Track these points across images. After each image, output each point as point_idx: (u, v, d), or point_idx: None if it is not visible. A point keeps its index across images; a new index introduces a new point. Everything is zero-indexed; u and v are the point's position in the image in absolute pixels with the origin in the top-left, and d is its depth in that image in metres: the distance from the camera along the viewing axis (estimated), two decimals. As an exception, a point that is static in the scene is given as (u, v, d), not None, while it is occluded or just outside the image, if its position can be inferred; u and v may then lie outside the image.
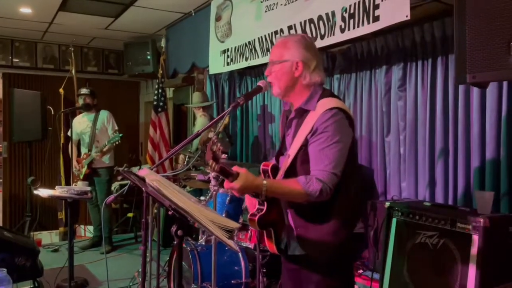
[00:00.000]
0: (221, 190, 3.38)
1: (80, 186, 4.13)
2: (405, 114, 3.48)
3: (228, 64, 4.56)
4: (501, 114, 2.80)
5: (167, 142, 6.25)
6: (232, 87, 5.69)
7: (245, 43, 4.22)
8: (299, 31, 3.48)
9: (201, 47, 5.33)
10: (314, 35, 3.35)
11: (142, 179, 1.29)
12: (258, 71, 5.15)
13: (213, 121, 2.06)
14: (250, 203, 2.04)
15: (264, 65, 4.50)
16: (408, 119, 3.45)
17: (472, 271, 2.01)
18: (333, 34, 3.15)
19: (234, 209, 3.49)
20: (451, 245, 2.16)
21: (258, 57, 4.06)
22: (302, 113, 1.92)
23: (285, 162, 1.95)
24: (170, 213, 1.59)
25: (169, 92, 6.63)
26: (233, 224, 1.50)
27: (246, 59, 4.23)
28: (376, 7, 2.78)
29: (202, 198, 3.53)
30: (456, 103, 3.12)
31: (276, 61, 1.97)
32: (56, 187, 3.53)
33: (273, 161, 2.12)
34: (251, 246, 3.39)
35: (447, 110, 3.19)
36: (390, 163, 3.62)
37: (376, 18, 2.78)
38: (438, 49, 3.23)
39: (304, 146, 1.88)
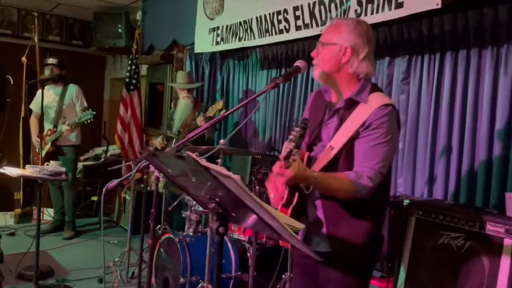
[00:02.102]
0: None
1: (53, 166, 3.73)
2: (407, 109, 3.38)
3: (217, 43, 4.28)
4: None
5: (139, 123, 5.87)
6: (213, 69, 5.40)
7: (240, 22, 3.96)
8: (306, 13, 3.27)
9: (184, 22, 4.99)
10: (323, 18, 3.16)
11: (226, 176, 1.04)
12: (242, 54, 4.90)
13: (243, 103, 1.84)
14: (276, 192, 1.86)
15: (260, 46, 4.28)
16: (410, 114, 3.35)
17: (503, 277, 1.92)
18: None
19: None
20: (478, 248, 2.07)
21: (254, 38, 3.82)
22: (351, 104, 1.80)
23: (326, 154, 1.80)
24: (211, 206, 1.36)
25: (143, 69, 6.22)
26: (298, 225, 1.29)
27: (240, 40, 3.98)
28: (400, -7, 2.62)
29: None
30: (464, 100, 3.04)
31: (325, 43, 1.82)
32: (27, 166, 3.15)
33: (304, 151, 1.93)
34: (245, 238, 3.18)
35: (452, 106, 3.12)
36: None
37: (400, 5, 2.64)
38: (447, 44, 3.13)
39: (352, 140, 1.75)
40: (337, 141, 1.78)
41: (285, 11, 3.44)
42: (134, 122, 5.83)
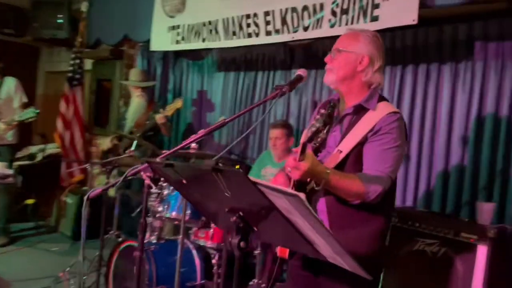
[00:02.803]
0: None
1: (-1, 168, 3.37)
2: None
3: (178, 42, 4.14)
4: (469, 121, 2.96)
5: (82, 121, 5.51)
6: (166, 68, 5.22)
7: (203, 23, 3.86)
8: (278, 19, 3.27)
9: (138, 18, 4.77)
10: (295, 25, 3.17)
11: (291, 194, 0.98)
12: (198, 54, 4.79)
13: (248, 109, 1.78)
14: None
15: (224, 49, 4.20)
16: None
17: (477, 282, 2.05)
18: (320, 27, 3.01)
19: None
20: (453, 254, 2.19)
21: (220, 40, 3.74)
22: (360, 110, 1.81)
23: (333, 158, 1.79)
24: (233, 219, 1.29)
25: (88, 64, 5.85)
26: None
27: (204, 40, 3.88)
28: (376, 6, 2.72)
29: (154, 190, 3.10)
30: (424, 111, 3.22)
31: (342, 50, 1.83)
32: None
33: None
34: (212, 245, 3.10)
35: (412, 117, 3.29)
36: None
37: (375, 18, 2.72)
38: (408, 57, 3.29)
39: (361, 145, 1.76)
40: (345, 146, 1.78)
41: (255, 15, 3.42)
42: (76, 120, 5.46)
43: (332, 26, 2.95)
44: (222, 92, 4.71)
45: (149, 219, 3.26)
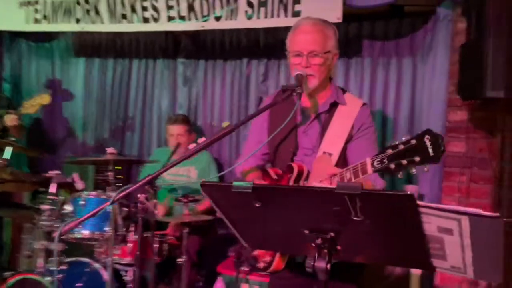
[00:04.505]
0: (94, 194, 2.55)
1: None
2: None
3: (37, 21, 3.39)
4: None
5: None
6: (-1, 51, 4.23)
7: (77, 0, 3.26)
8: (184, 5, 2.99)
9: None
10: (205, 13, 2.97)
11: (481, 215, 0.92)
12: (43, 35, 4.01)
13: (258, 112, 1.61)
14: None
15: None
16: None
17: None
18: (235, 19, 2.89)
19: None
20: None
21: (102, 23, 3.22)
22: (331, 107, 1.84)
23: (326, 161, 1.76)
24: (318, 242, 1.19)
25: None
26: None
27: (78, 21, 3.28)
28: (297, 1, 2.76)
29: (67, 207, 2.52)
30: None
31: (319, 53, 1.78)
32: None
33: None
34: (131, 261, 2.72)
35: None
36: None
37: (297, 14, 2.76)
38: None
39: (346, 143, 1.80)
40: (332, 147, 1.79)
41: (150, -5, 3.05)
42: None
43: (249, 18, 2.86)
44: (84, 81, 4.09)
45: (43, 243, 2.66)
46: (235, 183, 1.14)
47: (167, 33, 3.64)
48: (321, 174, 1.75)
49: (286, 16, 2.78)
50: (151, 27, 3.10)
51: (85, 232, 2.50)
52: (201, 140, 1.87)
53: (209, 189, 1.21)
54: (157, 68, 3.89)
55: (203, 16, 2.97)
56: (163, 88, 3.86)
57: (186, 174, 3.37)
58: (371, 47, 3.25)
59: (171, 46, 3.79)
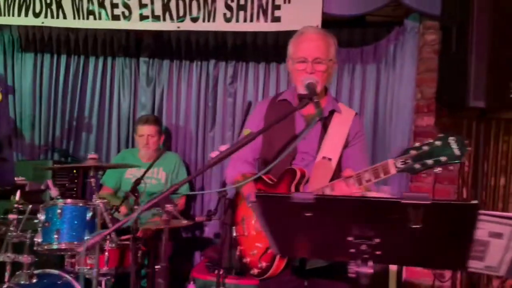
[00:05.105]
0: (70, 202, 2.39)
1: None
2: (234, 111, 3.57)
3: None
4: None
5: None
6: None
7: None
8: (158, 4, 2.89)
9: None
10: (181, 14, 2.91)
11: None
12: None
13: (282, 117, 1.62)
14: None
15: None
16: (238, 117, 3.56)
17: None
18: (214, 21, 2.87)
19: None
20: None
21: (65, 18, 3.02)
22: (330, 114, 1.92)
23: (324, 166, 1.85)
24: (362, 248, 1.25)
25: None
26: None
27: (37, 15, 3.05)
28: (277, 7, 2.80)
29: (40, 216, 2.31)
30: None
31: (324, 60, 1.85)
32: None
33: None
34: (108, 271, 2.59)
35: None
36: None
37: (277, 19, 2.81)
38: (270, 56, 3.49)
39: (343, 149, 1.89)
40: (331, 152, 1.86)
41: (126, -6, 2.92)
42: None
43: (228, 21, 2.85)
44: (32, 78, 3.79)
45: (9, 256, 2.45)
46: (295, 195, 1.15)
47: (128, 30, 3.49)
48: (322, 178, 1.82)
49: (266, 21, 2.81)
50: (121, 25, 2.96)
51: (62, 244, 2.33)
52: (222, 148, 1.83)
53: (263, 200, 1.21)
54: (116, 67, 3.72)
55: (179, 17, 2.90)
56: (123, 87, 3.71)
57: (152, 175, 3.27)
58: (338, 54, 3.38)
59: (132, 44, 3.65)
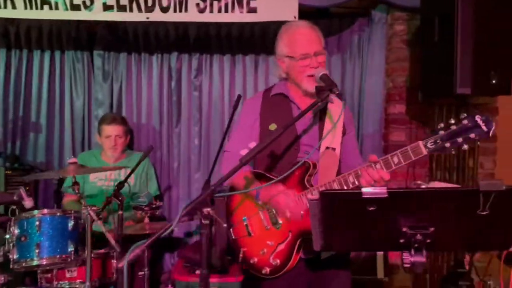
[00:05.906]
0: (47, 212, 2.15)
1: None
2: (200, 105, 3.44)
3: None
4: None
5: None
6: None
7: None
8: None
9: None
10: (149, 3, 2.72)
11: None
12: None
13: (296, 119, 1.58)
14: (295, 206, 1.75)
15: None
16: (204, 111, 3.44)
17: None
18: (186, 11, 2.72)
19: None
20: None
21: (15, 8, 2.69)
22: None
23: (331, 156, 1.87)
24: (418, 238, 1.28)
25: None
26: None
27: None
28: (252, -3, 2.73)
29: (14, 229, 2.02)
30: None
31: (323, 50, 1.87)
32: None
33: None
34: (92, 284, 2.38)
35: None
36: (180, 154, 3.46)
37: (253, 10, 2.73)
38: (235, 48, 3.41)
39: (342, 137, 1.91)
40: (333, 142, 1.87)
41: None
42: None
43: (201, 11, 2.72)
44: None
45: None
46: (365, 190, 1.13)
47: (78, 21, 3.20)
48: (330, 168, 1.84)
49: (241, 12, 2.73)
50: (83, 15, 2.69)
51: (45, 258, 2.10)
52: (252, 144, 1.73)
53: (329, 197, 1.17)
54: (66, 61, 3.41)
55: (147, 7, 2.71)
56: (75, 83, 3.41)
57: (119, 178, 3.06)
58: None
59: (84, 36, 3.35)
